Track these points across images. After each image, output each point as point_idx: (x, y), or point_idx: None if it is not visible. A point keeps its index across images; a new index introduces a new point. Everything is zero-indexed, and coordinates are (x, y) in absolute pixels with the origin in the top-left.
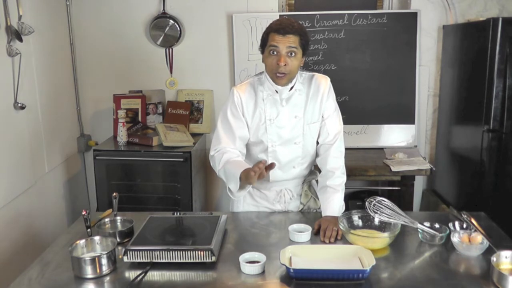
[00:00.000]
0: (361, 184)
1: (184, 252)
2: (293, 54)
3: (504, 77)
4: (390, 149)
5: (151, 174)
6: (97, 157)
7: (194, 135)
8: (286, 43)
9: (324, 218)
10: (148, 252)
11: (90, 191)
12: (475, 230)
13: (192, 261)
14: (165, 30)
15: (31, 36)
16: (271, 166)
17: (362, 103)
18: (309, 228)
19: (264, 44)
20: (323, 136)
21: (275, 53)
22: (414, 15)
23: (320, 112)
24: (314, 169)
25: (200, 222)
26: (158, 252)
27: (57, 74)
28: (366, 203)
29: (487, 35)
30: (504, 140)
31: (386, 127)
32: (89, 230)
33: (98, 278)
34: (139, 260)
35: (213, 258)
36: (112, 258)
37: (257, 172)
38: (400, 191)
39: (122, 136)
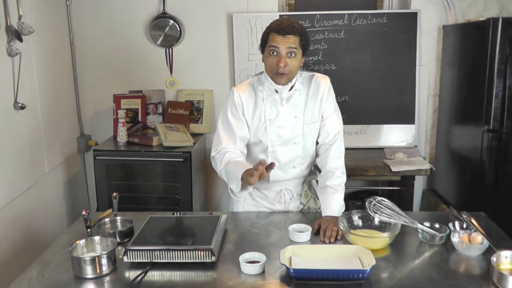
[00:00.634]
0: (361, 184)
1: (184, 252)
2: (293, 54)
3: (504, 77)
4: (390, 149)
5: (151, 174)
6: (97, 157)
7: (194, 135)
8: (286, 43)
9: (324, 218)
10: (148, 252)
11: (90, 191)
12: (475, 230)
13: (192, 261)
14: (165, 30)
15: (31, 36)
16: (271, 166)
17: (362, 103)
18: (309, 228)
19: (264, 44)
20: (323, 136)
21: (275, 53)
22: (414, 15)
23: (320, 112)
24: (314, 169)
25: (200, 222)
26: (158, 252)
27: (57, 74)
28: (366, 203)
29: (487, 35)
30: (504, 140)
31: (386, 127)
32: (89, 230)
33: (98, 278)
34: (139, 260)
35: (213, 258)
36: (112, 258)
37: (256, 174)
38: (400, 191)
39: (122, 136)
